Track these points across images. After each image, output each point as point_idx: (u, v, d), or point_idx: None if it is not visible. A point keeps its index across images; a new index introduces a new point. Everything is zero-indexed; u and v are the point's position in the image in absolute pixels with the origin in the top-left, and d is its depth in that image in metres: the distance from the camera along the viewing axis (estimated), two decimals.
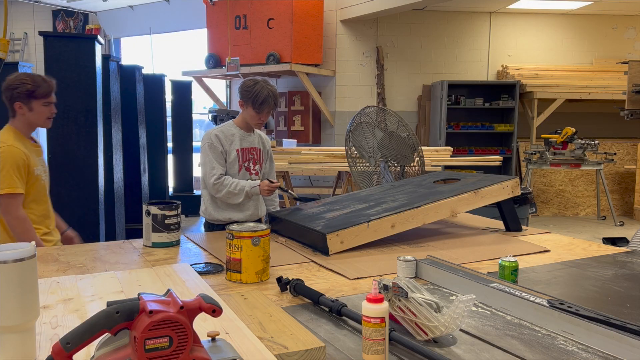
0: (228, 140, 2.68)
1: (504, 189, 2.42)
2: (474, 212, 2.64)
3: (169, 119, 7.25)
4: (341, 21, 7.52)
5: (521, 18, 7.95)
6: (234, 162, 2.67)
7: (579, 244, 2.26)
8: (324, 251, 2.05)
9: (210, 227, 2.76)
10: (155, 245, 2.18)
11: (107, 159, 4.49)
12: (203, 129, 11.31)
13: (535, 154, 7.09)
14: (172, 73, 7.84)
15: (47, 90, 2.39)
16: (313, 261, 1.98)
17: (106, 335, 0.88)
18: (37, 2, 9.38)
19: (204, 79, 7.94)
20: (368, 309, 1.14)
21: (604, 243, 3.58)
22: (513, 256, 1.69)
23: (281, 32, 6.94)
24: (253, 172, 2.74)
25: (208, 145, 2.65)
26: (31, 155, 2.38)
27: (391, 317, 1.26)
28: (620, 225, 7.08)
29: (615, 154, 7.27)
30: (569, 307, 1.31)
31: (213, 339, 0.96)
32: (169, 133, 7.27)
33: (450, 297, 1.56)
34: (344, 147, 4.01)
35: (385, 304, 1.16)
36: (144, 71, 5.99)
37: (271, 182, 2.59)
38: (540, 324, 1.33)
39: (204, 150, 2.67)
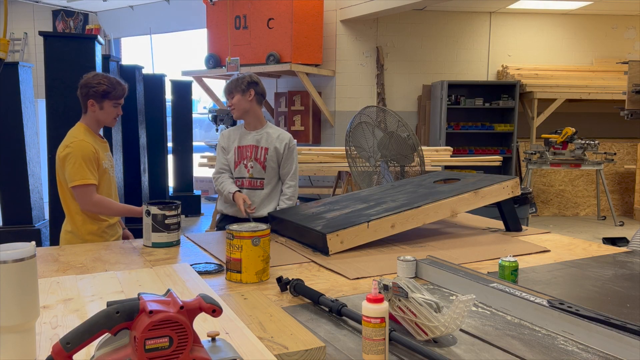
0: (231, 139, 2.85)
1: (504, 189, 2.42)
2: (474, 212, 2.64)
3: (169, 119, 7.25)
4: (341, 21, 7.53)
5: (521, 18, 7.95)
6: (232, 158, 2.82)
7: (579, 244, 2.26)
8: (324, 251, 2.05)
9: (223, 218, 2.90)
10: (155, 245, 2.18)
11: None
12: (203, 129, 11.32)
13: (535, 154, 7.09)
14: (172, 73, 7.84)
15: (120, 93, 2.53)
16: (313, 261, 1.98)
17: (106, 335, 0.88)
18: (37, 2, 9.38)
19: (204, 79, 7.94)
20: (368, 309, 1.14)
21: (604, 243, 3.58)
22: (513, 256, 1.69)
23: (281, 32, 6.94)
24: (248, 168, 2.79)
25: (218, 143, 2.92)
26: (99, 150, 2.52)
27: (391, 317, 1.26)
28: (620, 225, 7.08)
29: (615, 154, 7.27)
30: (569, 307, 1.31)
31: (213, 339, 0.96)
32: (169, 133, 7.27)
33: (450, 297, 1.56)
34: (344, 147, 4.01)
35: (385, 304, 1.16)
36: (144, 71, 5.99)
37: (245, 201, 2.63)
38: (540, 324, 1.33)
39: None
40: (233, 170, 2.82)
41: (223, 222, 2.86)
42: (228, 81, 2.81)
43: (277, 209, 2.77)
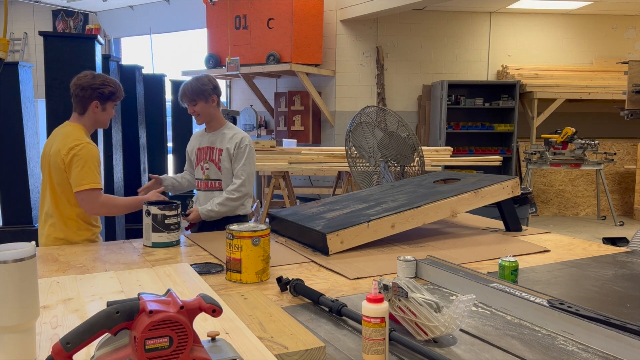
0: (195, 141, 2.89)
1: (504, 189, 2.42)
2: (474, 212, 2.64)
3: (169, 119, 7.25)
4: (341, 21, 7.53)
5: (521, 18, 7.95)
6: (194, 160, 2.86)
7: (579, 244, 2.26)
8: (324, 251, 2.05)
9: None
10: (155, 245, 2.18)
11: (107, 159, 4.49)
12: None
13: (535, 154, 7.09)
14: (172, 73, 7.84)
15: (121, 95, 2.57)
16: (313, 261, 1.98)
17: (106, 335, 0.88)
18: (37, 2, 9.38)
19: None
20: (368, 309, 1.14)
21: (604, 243, 3.58)
22: (513, 256, 1.69)
23: (281, 32, 6.94)
24: (204, 169, 2.81)
25: None
26: None
27: (391, 317, 1.26)
28: (620, 225, 7.08)
29: (615, 154, 7.27)
30: (569, 307, 1.31)
31: (213, 339, 0.96)
32: (169, 133, 7.27)
33: (450, 297, 1.56)
34: (344, 147, 4.01)
35: (385, 304, 1.16)
36: (144, 71, 5.99)
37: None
38: (540, 324, 1.33)
39: None
40: (194, 171, 2.88)
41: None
42: (186, 86, 2.72)
43: (216, 203, 2.67)
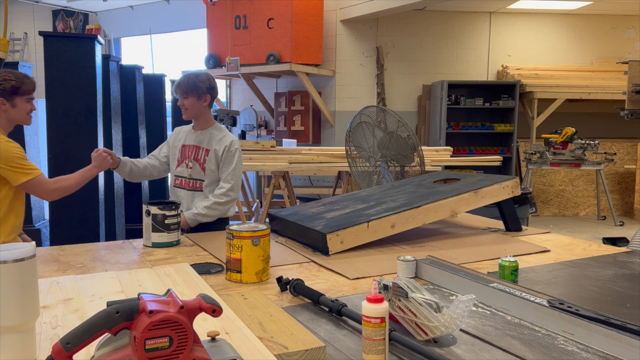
0: (179, 137, 2.86)
1: (504, 189, 2.42)
2: (474, 212, 2.64)
3: (169, 119, 7.25)
4: (341, 21, 7.53)
5: (521, 18, 7.95)
6: (176, 156, 2.81)
7: (579, 244, 2.26)
8: (324, 251, 2.05)
9: None
10: (155, 245, 2.18)
11: None
12: None
13: (535, 154, 7.09)
14: (172, 73, 7.83)
15: (30, 87, 2.46)
16: (313, 261, 1.98)
17: (106, 335, 0.88)
18: (37, 2, 9.38)
19: None
20: (368, 309, 1.14)
21: (604, 243, 3.58)
22: (513, 256, 1.69)
23: (281, 32, 6.94)
24: (188, 167, 2.77)
25: None
26: None
27: (391, 317, 1.26)
28: (620, 225, 7.08)
29: (615, 154, 7.28)
30: (569, 307, 1.31)
31: (213, 339, 0.96)
32: (169, 133, 7.26)
33: (450, 297, 1.56)
34: (344, 147, 4.01)
35: (385, 304, 1.16)
36: (144, 71, 5.99)
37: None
38: (540, 324, 1.33)
39: None
40: (174, 169, 2.81)
41: None
42: (184, 78, 2.71)
43: (203, 206, 2.65)
